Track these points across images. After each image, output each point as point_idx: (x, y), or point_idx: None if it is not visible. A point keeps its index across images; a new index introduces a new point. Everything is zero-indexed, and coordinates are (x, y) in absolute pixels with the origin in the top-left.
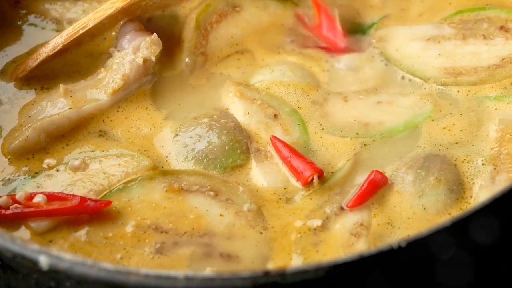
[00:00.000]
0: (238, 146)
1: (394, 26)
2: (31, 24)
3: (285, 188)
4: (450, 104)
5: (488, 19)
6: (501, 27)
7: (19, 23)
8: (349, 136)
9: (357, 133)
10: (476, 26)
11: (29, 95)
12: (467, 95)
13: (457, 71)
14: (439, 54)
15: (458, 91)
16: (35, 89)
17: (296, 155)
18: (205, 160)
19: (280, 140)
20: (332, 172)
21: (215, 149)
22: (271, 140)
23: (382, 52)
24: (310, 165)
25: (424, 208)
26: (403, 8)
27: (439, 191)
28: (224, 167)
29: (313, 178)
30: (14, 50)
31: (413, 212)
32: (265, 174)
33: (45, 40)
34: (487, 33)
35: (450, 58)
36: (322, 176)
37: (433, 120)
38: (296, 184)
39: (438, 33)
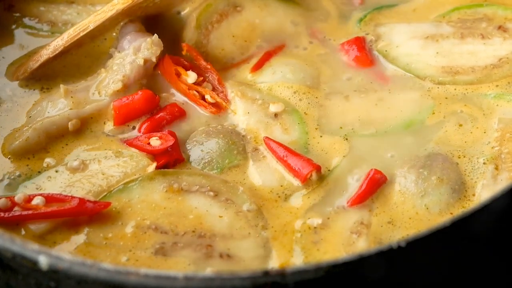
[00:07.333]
0: (235, 148)
1: (393, 24)
2: (25, 27)
3: (281, 186)
4: (451, 101)
5: (486, 17)
6: (499, 27)
7: (14, 26)
8: (350, 135)
9: (359, 132)
10: (475, 25)
11: (30, 95)
12: (466, 93)
13: (454, 70)
14: (437, 53)
15: (455, 89)
16: (36, 89)
17: (291, 153)
18: (202, 162)
19: (273, 140)
20: (329, 170)
21: (212, 152)
22: (264, 141)
23: (380, 49)
24: (307, 162)
25: (427, 208)
26: (398, 2)
27: (441, 190)
28: (221, 168)
29: (311, 175)
30: (10, 53)
31: (416, 212)
32: (260, 173)
33: (40, 42)
34: (485, 33)
35: (448, 57)
36: (320, 173)
37: (434, 116)
38: (293, 182)
39: (437, 32)
